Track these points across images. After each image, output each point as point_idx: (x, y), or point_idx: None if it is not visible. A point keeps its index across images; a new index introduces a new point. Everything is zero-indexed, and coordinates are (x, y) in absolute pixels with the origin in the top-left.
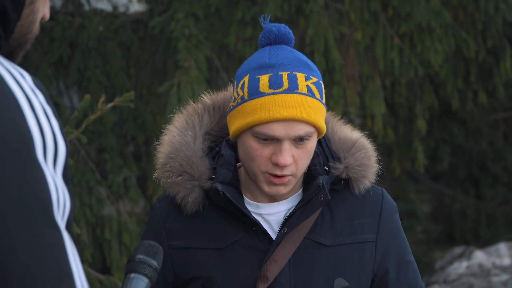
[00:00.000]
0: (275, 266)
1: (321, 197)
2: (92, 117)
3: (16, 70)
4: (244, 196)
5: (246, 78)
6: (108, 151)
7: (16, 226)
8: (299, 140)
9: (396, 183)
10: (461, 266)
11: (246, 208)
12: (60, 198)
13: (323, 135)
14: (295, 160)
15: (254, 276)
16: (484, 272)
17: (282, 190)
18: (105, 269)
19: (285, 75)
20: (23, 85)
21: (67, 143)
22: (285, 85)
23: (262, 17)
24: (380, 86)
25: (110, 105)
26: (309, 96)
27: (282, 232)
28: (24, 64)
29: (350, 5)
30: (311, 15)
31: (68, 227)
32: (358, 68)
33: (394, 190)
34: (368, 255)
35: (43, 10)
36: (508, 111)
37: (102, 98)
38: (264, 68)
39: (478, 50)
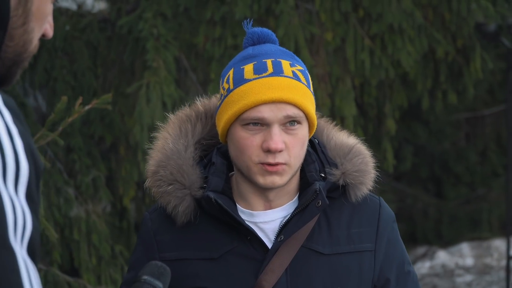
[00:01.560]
0: (272, 275)
1: (318, 203)
2: (69, 120)
3: None
4: (237, 205)
5: (230, 72)
6: (76, 151)
7: None
8: (289, 124)
9: None
10: (424, 266)
11: (240, 216)
12: (18, 220)
13: (314, 130)
14: (287, 147)
15: (250, 286)
16: (447, 273)
17: (278, 180)
18: (74, 271)
19: (269, 61)
20: None
21: (37, 162)
22: (270, 69)
23: (245, 22)
24: (351, 87)
25: (87, 107)
26: (295, 79)
27: (279, 240)
28: None
29: (321, 6)
30: (281, 15)
31: (31, 248)
32: (329, 69)
33: None
34: (367, 265)
35: (40, 29)
36: (471, 111)
37: (79, 101)
38: (247, 58)
39: (448, 50)
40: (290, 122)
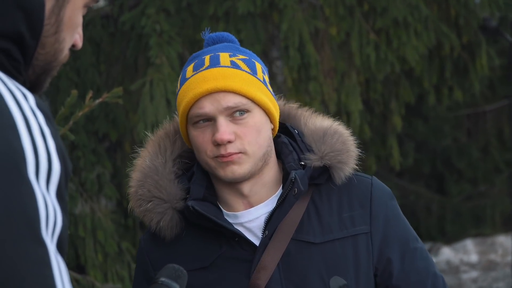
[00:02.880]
0: (265, 273)
1: (294, 191)
2: (80, 114)
3: (20, 91)
4: (223, 210)
5: (180, 76)
6: (81, 148)
7: (1, 242)
8: (239, 114)
9: None
10: None
11: (222, 219)
12: (50, 216)
13: (276, 116)
14: (239, 136)
15: (244, 287)
16: (452, 269)
17: (237, 169)
18: (80, 268)
19: (207, 57)
20: (23, 106)
21: (67, 163)
22: (207, 63)
23: (202, 32)
24: (356, 82)
25: (98, 101)
26: (232, 68)
27: (264, 236)
28: None
29: (325, 0)
30: (285, 9)
31: (60, 244)
32: (334, 64)
33: None
34: (363, 248)
35: (71, 39)
36: (472, 107)
37: (90, 94)
38: (191, 59)
39: (453, 46)
40: (239, 112)
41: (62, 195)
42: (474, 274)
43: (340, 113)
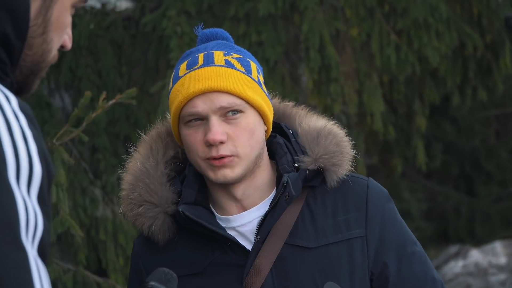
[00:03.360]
0: (257, 278)
1: (286, 195)
2: (93, 115)
3: (3, 93)
4: (215, 213)
5: (172, 74)
6: (102, 151)
7: None
8: (231, 113)
9: (389, 181)
10: (457, 265)
11: (214, 224)
12: (30, 220)
13: (269, 118)
14: (231, 137)
15: None
16: (481, 272)
17: (229, 173)
18: (101, 271)
19: (201, 55)
20: (5, 108)
21: (49, 166)
22: (200, 62)
23: (195, 28)
24: (378, 84)
25: (111, 102)
26: (226, 67)
27: (256, 240)
28: None
29: (346, 1)
30: (306, 11)
31: (42, 248)
32: (355, 65)
33: (387, 189)
34: (358, 253)
35: (60, 40)
36: (500, 108)
37: (103, 96)
38: (185, 57)
39: (477, 45)
40: (232, 112)
41: (44, 199)
42: (502, 276)
43: (362, 115)
